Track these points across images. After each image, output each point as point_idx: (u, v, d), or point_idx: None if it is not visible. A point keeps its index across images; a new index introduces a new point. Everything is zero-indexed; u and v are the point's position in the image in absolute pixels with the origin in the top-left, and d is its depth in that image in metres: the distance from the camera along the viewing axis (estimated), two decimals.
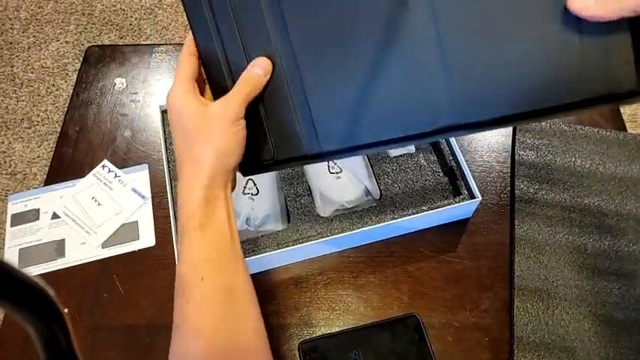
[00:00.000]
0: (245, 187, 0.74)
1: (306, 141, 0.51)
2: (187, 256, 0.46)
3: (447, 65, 0.45)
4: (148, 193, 0.79)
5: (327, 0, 0.46)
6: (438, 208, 0.70)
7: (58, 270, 0.74)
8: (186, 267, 0.46)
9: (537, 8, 0.41)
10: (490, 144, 0.82)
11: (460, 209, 0.72)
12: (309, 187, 0.75)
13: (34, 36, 1.98)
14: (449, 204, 0.70)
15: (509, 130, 0.83)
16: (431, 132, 0.47)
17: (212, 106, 0.47)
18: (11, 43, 1.97)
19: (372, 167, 0.77)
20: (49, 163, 0.84)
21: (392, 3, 0.44)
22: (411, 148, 0.78)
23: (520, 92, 0.43)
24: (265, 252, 0.67)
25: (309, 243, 0.68)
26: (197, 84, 0.50)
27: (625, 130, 0.83)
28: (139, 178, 0.81)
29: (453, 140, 0.75)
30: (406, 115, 0.47)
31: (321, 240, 0.68)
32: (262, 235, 0.71)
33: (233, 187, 0.50)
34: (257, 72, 0.48)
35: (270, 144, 0.52)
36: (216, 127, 0.46)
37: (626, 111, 1.67)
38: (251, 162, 0.53)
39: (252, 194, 0.74)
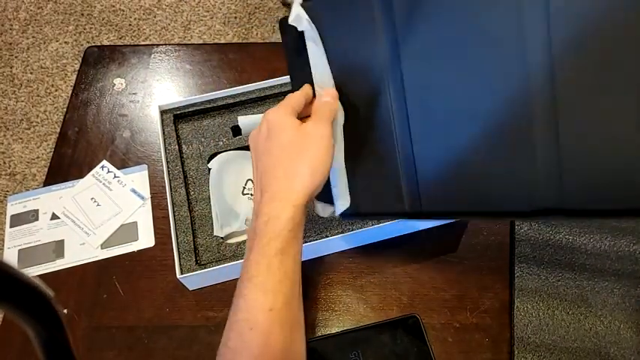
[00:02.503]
0: (245, 187, 0.74)
1: (407, 198, 0.51)
2: (261, 281, 0.44)
3: (560, 147, 0.41)
4: (147, 194, 0.79)
5: (449, 67, 0.45)
6: None
7: (58, 271, 0.73)
8: (255, 291, 0.44)
9: None
10: None
11: None
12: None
13: (33, 36, 1.98)
14: None
15: None
16: (529, 212, 0.44)
17: (305, 125, 0.50)
18: (10, 43, 1.96)
19: None
20: (48, 164, 0.84)
21: (514, 78, 0.42)
22: None
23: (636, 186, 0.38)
24: None
25: (309, 243, 0.68)
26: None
27: None
28: (139, 178, 0.80)
29: None
30: (506, 190, 0.45)
31: (320, 240, 0.68)
32: None
33: (312, 192, 0.51)
34: (327, 100, 0.52)
35: (371, 195, 0.55)
36: (312, 141, 0.48)
37: None
38: (352, 208, 0.56)
39: (252, 194, 0.74)
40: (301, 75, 0.55)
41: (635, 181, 0.38)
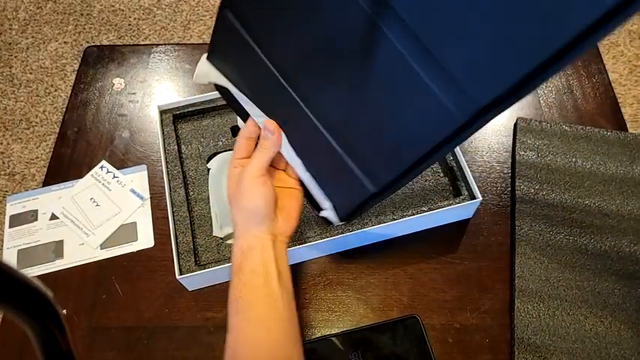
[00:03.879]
0: None
1: (366, 179, 0.52)
2: (229, 295, 0.54)
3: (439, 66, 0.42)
4: (146, 194, 0.79)
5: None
6: (438, 208, 0.69)
7: (57, 271, 0.73)
8: (229, 305, 0.54)
9: None
10: (490, 144, 0.82)
11: (460, 210, 0.71)
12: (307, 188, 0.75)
13: (32, 36, 1.98)
14: (449, 205, 0.70)
15: (509, 130, 0.83)
16: (459, 128, 0.43)
17: (241, 172, 0.56)
18: (10, 43, 1.96)
19: None
20: (48, 164, 0.84)
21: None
22: None
23: None
24: None
25: (309, 244, 0.67)
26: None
27: (626, 130, 0.82)
28: (138, 178, 0.80)
29: None
30: (427, 125, 0.45)
31: (320, 241, 0.68)
32: None
33: (287, 231, 0.57)
34: (266, 134, 0.56)
35: (341, 193, 0.57)
36: (241, 188, 0.55)
37: (628, 111, 1.67)
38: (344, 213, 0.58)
39: None
40: (241, 112, 0.60)
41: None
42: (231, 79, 0.59)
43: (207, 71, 0.59)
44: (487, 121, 0.43)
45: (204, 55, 0.59)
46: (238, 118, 0.76)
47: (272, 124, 0.56)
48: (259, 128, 0.57)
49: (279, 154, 0.57)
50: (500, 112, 0.40)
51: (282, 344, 0.51)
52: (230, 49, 0.56)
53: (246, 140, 0.58)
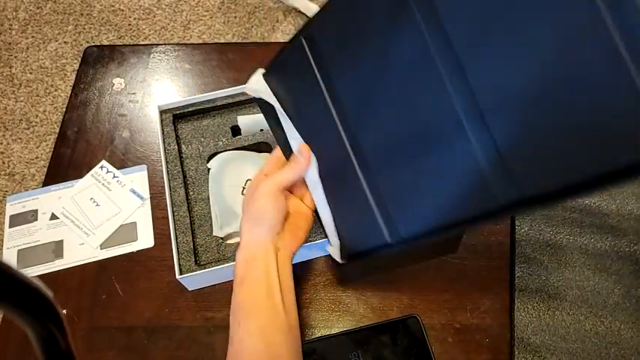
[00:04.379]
0: (244, 187, 0.74)
1: (385, 227, 0.52)
2: (231, 306, 0.55)
3: (495, 141, 0.41)
4: (146, 194, 0.79)
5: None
6: None
7: (57, 271, 0.73)
8: (230, 315, 0.54)
9: None
10: None
11: None
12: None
13: (32, 36, 1.97)
14: None
15: None
16: (495, 211, 0.43)
17: (259, 184, 0.57)
18: (9, 43, 1.96)
19: None
20: (48, 164, 0.84)
21: (438, 96, 0.44)
22: None
23: None
24: None
25: (309, 243, 0.67)
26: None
27: None
28: (138, 178, 0.80)
29: None
30: (467, 197, 0.44)
31: (320, 241, 0.67)
32: None
33: (293, 247, 0.58)
34: (298, 158, 0.57)
35: (354, 234, 0.57)
36: (255, 198, 0.56)
37: None
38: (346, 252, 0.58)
39: None
40: (279, 135, 0.61)
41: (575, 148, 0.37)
42: (280, 98, 0.59)
43: (258, 88, 0.60)
44: (525, 213, 0.43)
45: (260, 70, 0.60)
46: (239, 117, 0.76)
47: (306, 150, 0.57)
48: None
49: (301, 182, 0.59)
50: (541, 208, 0.41)
51: (282, 357, 0.52)
52: (292, 73, 0.58)
53: (276, 159, 0.61)
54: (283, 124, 0.60)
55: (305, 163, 0.57)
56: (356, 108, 0.52)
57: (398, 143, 0.48)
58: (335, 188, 0.57)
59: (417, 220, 0.49)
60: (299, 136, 0.58)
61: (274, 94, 0.59)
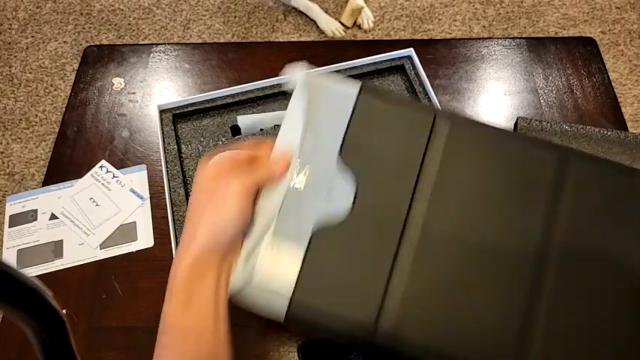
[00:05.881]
0: None
1: (383, 312, 0.47)
2: (169, 331, 0.45)
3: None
4: (146, 194, 0.78)
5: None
6: None
7: (56, 271, 0.73)
8: (168, 338, 0.45)
9: None
10: None
11: None
12: None
13: (32, 36, 1.97)
14: None
15: (510, 129, 0.83)
16: None
17: (224, 178, 0.47)
18: (9, 43, 1.96)
19: None
20: (47, 164, 0.83)
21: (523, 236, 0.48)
22: None
23: None
24: None
25: None
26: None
27: (626, 129, 0.82)
28: (138, 178, 0.80)
29: None
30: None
31: None
32: None
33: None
34: (272, 166, 0.49)
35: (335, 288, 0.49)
36: (225, 198, 0.46)
37: (628, 110, 1.67)
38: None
39: None
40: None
41: None
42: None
43: (294, 78, 0.53)
44: None
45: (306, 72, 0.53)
46: (238, 117, 0.76)
47: (285, 162, 0.50)
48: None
49: None
50: None
51: None
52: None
53: (252, 147, 0.52)
54: (286, 123, 0.52)
55: (277, 175, 0.49)
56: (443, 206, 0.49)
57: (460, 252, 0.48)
58: (353, 239, 0.49)
59: (416, 328, 0.46)
60: (296, 141, 0.51)
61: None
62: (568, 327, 0.45)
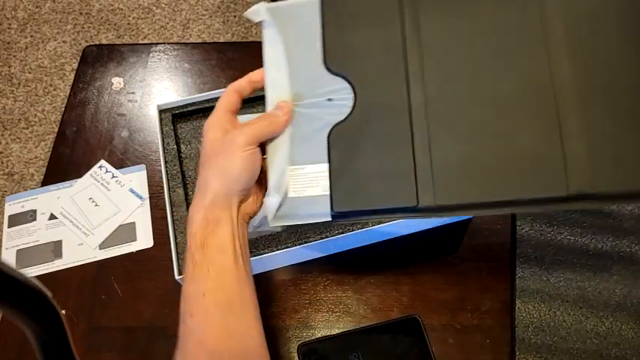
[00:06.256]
0: None
1: (421, 191, 0.49)
2: (190, 273, 0.48)
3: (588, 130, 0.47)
4: (145, 194, 0.78)
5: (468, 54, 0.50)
6: None
7: (56, 271, 0.73)
8: (189, 284, 0.48)
9: None
10: None
11: None
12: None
13: (31, 35, 1.97)
14: None
15: None
16: (565, 197, 0.46)
17: (230, 132, 0.50)
18: (8, 42, 1.96)
19: None
20: (47, 164, 0.83)
21: (536, 62, 0.49)
22: None
23: None
24: (264, 253, 0.67)
25: (309, 244, 0.67)
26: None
27: None
28: (137, 178, 0.80)
29: None
30: (538, 176, 0.47)
31: (320, 241, 0.67)
32: (261, 237, 0.70)
33: (254, 211, 0.53)
34: (276, 112, 0.52)
35: (378, 190, 0.51)
36: (226, 151, 0.49)
37: None
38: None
39: None
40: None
41: None
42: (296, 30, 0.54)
43: (258, 8, 0.54)
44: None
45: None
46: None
47: (287, 106, 0.52)
48: (250, 89, 0.54)
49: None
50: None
51: (252, 334, 0.49)
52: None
53: (234, 94, 0.53)
54: (269, 65, 0.54)
55: (284, 121, 0.52)
56: (439, 52, 0.50)
57: (472, 103, 0.49)
58: (367, 135, 0.51)
59: (454, 194, 0.49)
60: (285, 89, 0.53)
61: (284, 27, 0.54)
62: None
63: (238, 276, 0.48)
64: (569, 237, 0.71)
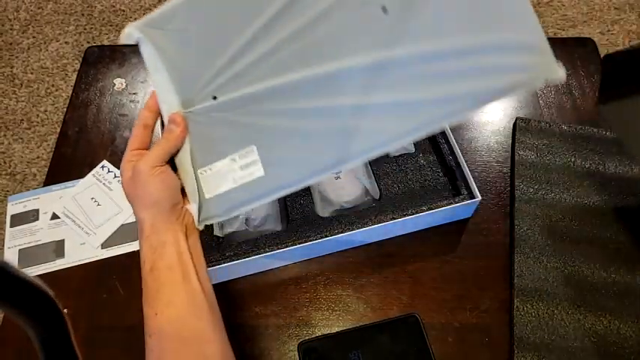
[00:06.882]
0: None
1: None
2: (144, 297, 0.52)
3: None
4: None
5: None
6: (437, 208, 0.69)
7: (58, 271, 0.73)
8: (144, 307, 0.52)
9: None
10: (490, 144, 0.82)
11: (460, 209, 0.72)
12: (309, 188, 0.75)
13: (33, 37, 1.98)
14: (449, 204, 0.70)
15: (508, 130, 0.83)
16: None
17: (136, 165, 0.51)
18: (11, 43, 1.96)
19: (371, 167, 0.77)
20: (49, 164, 0.84)
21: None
22: (409, 148, 0.78)
23: None
24: (265, 252, 0.67)
25: (309, 243, 0.68)
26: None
27: None
28: None
29: (452, 140, 0.75)
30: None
31: (320, 240, 0.68)
32: (262, 236, 0.71)
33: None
34: (171, 127, 0.52)
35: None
36: (139, 182, 0.50)
37: None
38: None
39: None
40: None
41: None
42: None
43: (130, 32, 0.55)
44: None
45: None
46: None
47: (179, 117, 0.53)
48: (153, 116, 0.54)
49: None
50: None
51: (209, 338, 0.50)
52: None
53: (142, 129, 0.54)
54: (155, 81, 0.54)
55: (180, 134, 0.52)
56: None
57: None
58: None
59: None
60: (174, 100, 0.54)
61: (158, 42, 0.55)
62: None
63: (188, 288, 0.51)
64: (567, 236, 0.71)
